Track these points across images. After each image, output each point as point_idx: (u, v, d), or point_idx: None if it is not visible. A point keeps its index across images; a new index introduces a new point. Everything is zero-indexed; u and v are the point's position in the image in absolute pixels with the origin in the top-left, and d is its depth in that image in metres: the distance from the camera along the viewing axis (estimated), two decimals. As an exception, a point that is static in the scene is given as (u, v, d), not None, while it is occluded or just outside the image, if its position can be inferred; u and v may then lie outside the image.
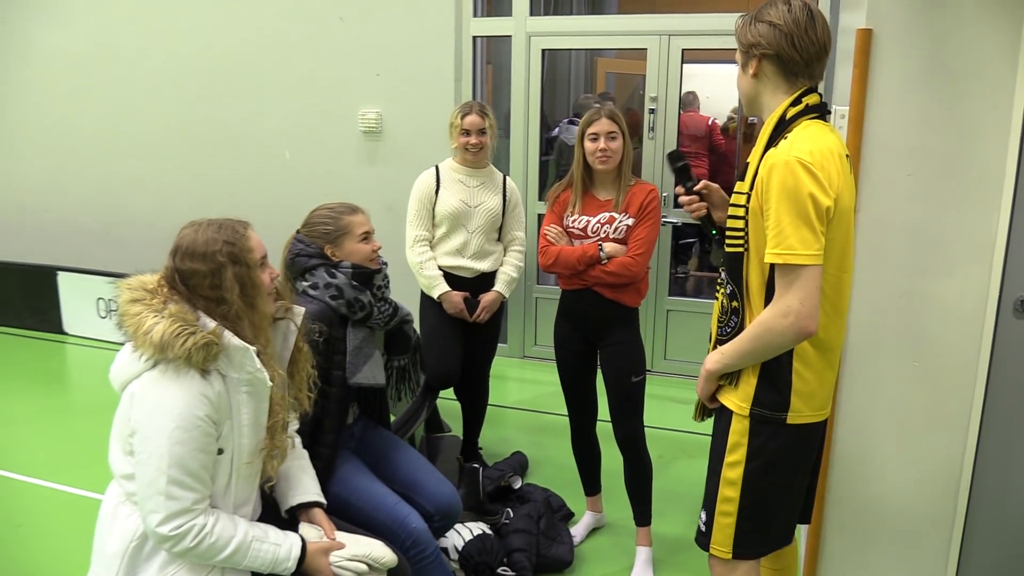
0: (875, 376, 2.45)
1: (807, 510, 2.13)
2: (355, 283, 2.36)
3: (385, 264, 2.50)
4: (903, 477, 2.49)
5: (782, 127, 1.79)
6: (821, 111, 1.83)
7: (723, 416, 1.94)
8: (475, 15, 4.93)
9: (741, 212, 1.82)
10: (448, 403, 3.71)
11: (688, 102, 6.25)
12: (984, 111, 2.24)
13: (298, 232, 2.45)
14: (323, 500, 2.06)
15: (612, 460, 3.15)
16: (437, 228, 3.27)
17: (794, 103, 1.80)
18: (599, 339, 2.87)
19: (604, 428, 3.06)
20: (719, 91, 8.69)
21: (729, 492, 1.89)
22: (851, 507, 2.56)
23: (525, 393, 4.79)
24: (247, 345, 1.78)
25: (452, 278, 3.26)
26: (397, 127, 5.07)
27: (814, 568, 2.63)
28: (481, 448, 3.70)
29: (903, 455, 2.48)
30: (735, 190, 1.88)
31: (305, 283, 2.36)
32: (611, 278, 2.75)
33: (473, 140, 3.20)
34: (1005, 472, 2.42)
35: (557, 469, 3.68)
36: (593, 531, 3.22)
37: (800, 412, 1.84)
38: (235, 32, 5.25)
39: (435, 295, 3.23)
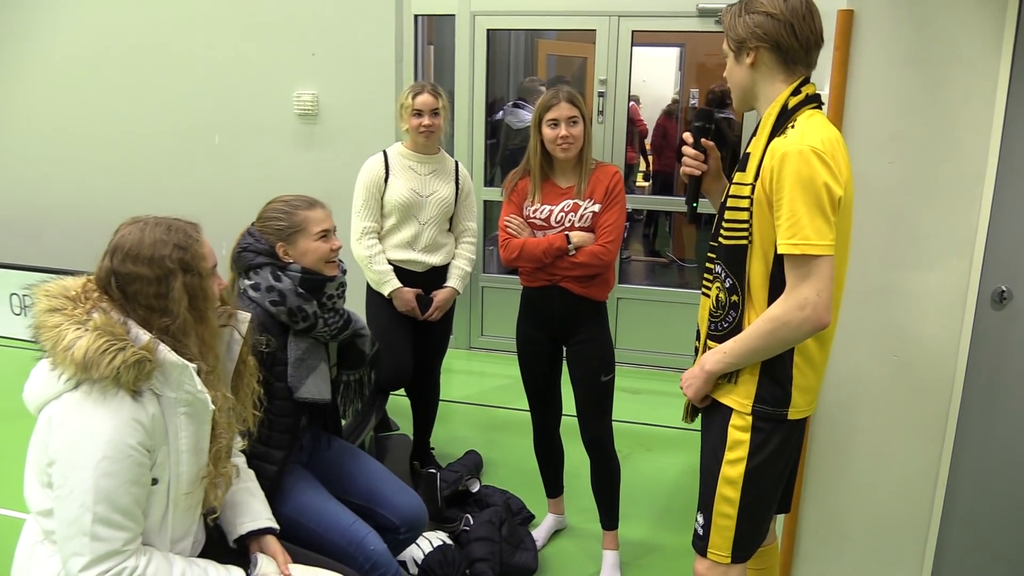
0: (853, 371, 2.37)
1: (786, 499, 2.09)
2: (301, 290, 2.14)
3: (344, 272, 2.29)
4: (881, 473, 2.43)
5: (785, 117, 1.74)
6: (818, 101, 1.78)
7: (717, 413, 1.87)
8: (417, -8, 4.71)
9: (744, 203, 1.75)
10: (395, 399, 3.52)
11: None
12: (966, 97, 2.16)
13: (252, 225, 2.22)
14: (275, 525, 1.85)
15: (571, 459, 3.03)
16: (386, 219, 3.05)
17: (794, 92, 1.75)
18: (566, 337, 2.72)
19: (566, 425, 2.93)
20: (657, 75, 8.66)
21: (729, 492, 1.83)
22: (827, 505, 2.49)
23: (473, 387, 4.62)
24: (185, 362, 1.56)
25: (402, 272, 3.06)
26: (334, 110, 4.81)
27: (789, 567, 2.55)
28: (433, 448, 3.53)
29: (881, 451, 2.41)
30: (735, 180, 1.81)
31: (247, 282, 2.14)
32: (581, 270, 2.60)
33: (426, 121, 2.99)
34: (982, 467, 2.37)
35: (513, 468, 3.53)
36: (555, 534, 3.08)
37: (799, 407, 1.81)
38: (159, 10, 4.89)
39: (386, 292, 3.03)
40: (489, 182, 5.05)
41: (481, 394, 4.50)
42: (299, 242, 2.17)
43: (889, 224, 2.27)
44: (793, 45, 1.72)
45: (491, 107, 5.10)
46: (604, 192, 2.60)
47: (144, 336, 1.53)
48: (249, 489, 1.86)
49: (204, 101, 4.94)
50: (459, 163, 3.21)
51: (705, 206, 2.14)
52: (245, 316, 1.81)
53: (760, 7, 1.75)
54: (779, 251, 1.68)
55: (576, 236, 2.60)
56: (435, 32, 5.22)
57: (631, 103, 6.35)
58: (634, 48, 4.55)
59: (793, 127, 1.70)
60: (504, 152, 5.42)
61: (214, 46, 4.85)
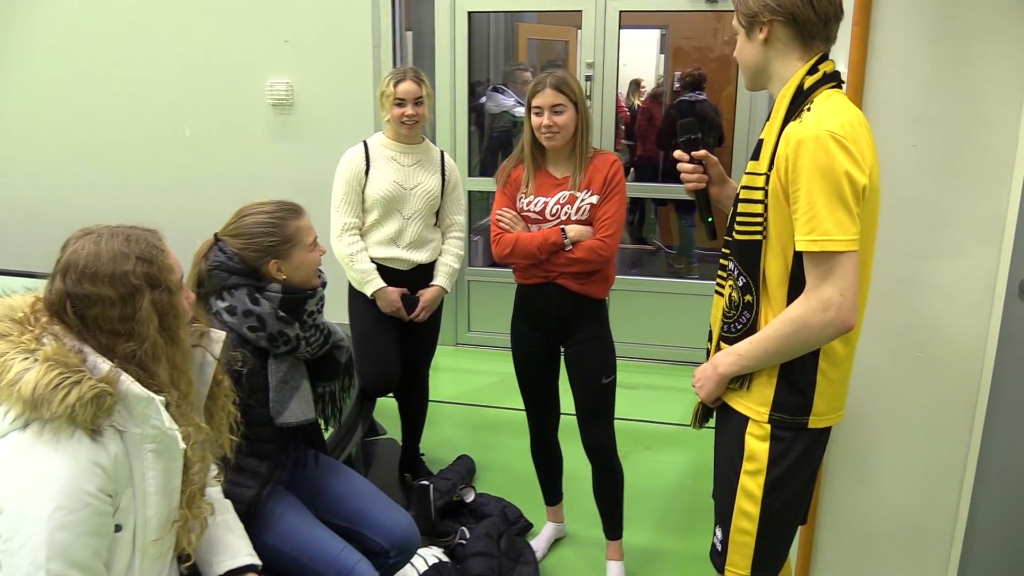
0: (874, 369, 2.22)
1: (806, 510, 1.95)
2: (282, 313, 1.95)
3: (324, 284, 2.09)
4: (903, 476, 2.29)
5: (800, 98, 1.58)
6: (838, 79, 1.63)
7: (732, 420, 1.74)
8: (393, -26, 4.49)
9: (759, 195, 1.60)
10: (381, 400, 3.34)
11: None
12: (995, 74, 2.00)
13: (218, 238, 2.00)
14: (257, 561, 1.66)
15: (567, 462, 2.87)
16: (367, 214, 2.86)
17: (811, 71, 1.59)
18: (564, 337, 2.55)
19: (562, 426, 2.76)
20: (637, 59, 8.49)
21: (747, 506, 1.70)
22: (847, 512, 2.35)
23: (461, 385, 4.44)
24: (150, 395, 1.37)
25: (385, 271, 2.86)
26: (310, 99, 4.59)
27: (805, 577, 2.41)
28: (423, 454, 3.35)
29: (904, 453, 2.27)
30: (747, 170, 1.65)
31: (221, 303, 1.93)
32: (578, 265, 2.42)
33: (409, 111, 2.79)
34: (1010, 469, 2.23)
35: (508, 474, 3.36)
36: (555, 543, 2.92)
37: (821, 415, 1.67)
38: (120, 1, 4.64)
39: (369, 292, 2.83)
40: (473, 171, 4.86)
41: (470, 393, 4.32)
42: (293, 256, 1.97)
43: (912, 211, 2.11)
44: (811, 17, 1.57)
45: (472, 93, 4.90)
46: (602, 182, 2.42)
47: (103, 365, 1.34)
48: (227, 523, 1.67)
49: (172, 92, 4.69)
50: (445, 153, 3.02)
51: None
52: (219, 335, 1.62)
53: None
54: (797, 248, 1.54)
55: (572, 230, 2.42)
56: (413, 16, 5.00)
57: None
58: (621, 30, 4.36)
59: (809, 110, 1.55)
60: (489, 139, 5.25)
61: (182, 34, 4.60)
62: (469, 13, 4.50)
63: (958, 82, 2.02)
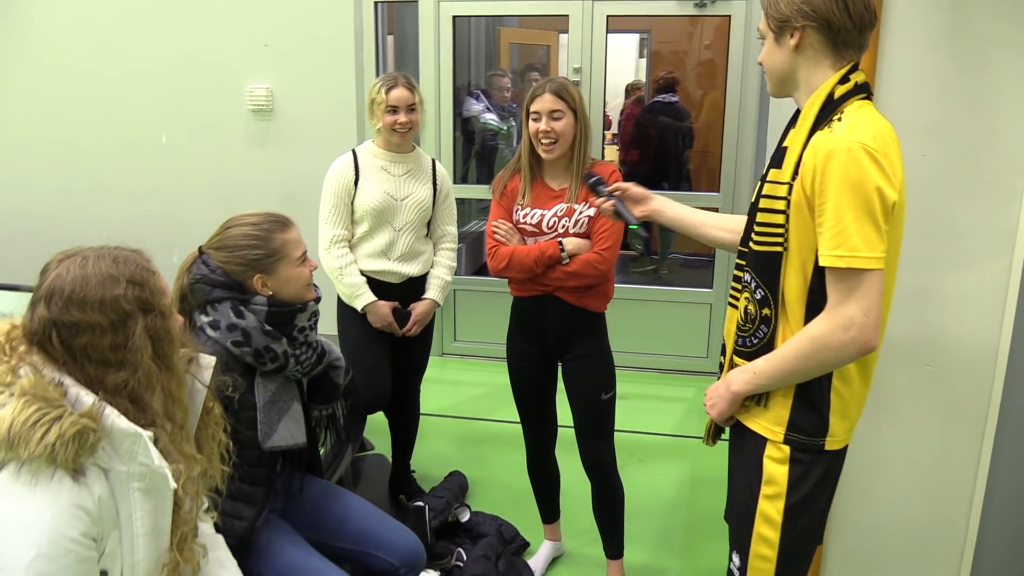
0: (884, 383, 2.15)
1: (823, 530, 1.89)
2: (268, 327, 1.85)
3: (319, 297, 2.00)
4: (913, 492, 2.24)
5: (830, 108, 1.52)
6: (868, 91, 1.56)
7: (748, 441, 1.67)
8: (375, -23, 4.40)
9: (780, 205, 1.54)
10: (370, 416, 3.25)
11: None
12: (1007, 81, 1.96)
13: (202, 251, 1.91)
14: None
15: (564, 478, 2.80)
16: (357, 225, 2.76)
17: (842, 80, 1.53)
18: (562, 352, 2.47)
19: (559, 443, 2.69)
20: (615, 63, 8.45)
21: (767, 531, 1.63)
22: (856, 527, 2.29)
23: (448, 397, 4.35)
24: (137, 430, 1.27)
25: (375, 284, 2.77)
26: (290, 104, 4.49)
27: (813, 598, 2.35)
28: (414, 471, 3.26)
29: (913, 468, 2.22)
30: (769, 179, 1.58)
31: (204, 318, 1.84)
32: (575, 280, 2.35)
33: (402, 118, 2.70)
34: (1020, 483, 2.19)
35: (502, 490, 3.28)
36: (553, 561, 2.84)
37: (837, 436, 1.62)
38: (100, 1, 4.50)
39: (359, 306, 2.74)
40: (456, 179, 4.78)
41: (458, 405, 4.23)
42: (280, 270, 1.88)
43: (923, 222, 2.06)
44: (845, 24, 1.50)
45: (456, 99, 4.81)
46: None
47: (86, 398, 1.24)
48: (220, 560, 1.57)
49: (149, 98, 4.56)
50: (436, 161, 2.93)
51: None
52: (208, 360, 1.52)
53: None
54: (821, 263, 1.48)
55: (570, 243, 2.35)
56: (396, 20, 4.92)
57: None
58: (609, 35, 4.30)
59: (840, 119, 1.48)
60: (471, 146, 5.19)
61: (158, 38, 4.47)
62: (454, 18, 4.42)
63: (969, 91, 1.98)
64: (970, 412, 2.15)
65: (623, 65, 8.51)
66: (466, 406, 4.23)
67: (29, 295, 1.33)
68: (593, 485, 2.56)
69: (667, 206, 1.95)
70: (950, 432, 2.18)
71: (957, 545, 2.24)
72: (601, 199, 1.98)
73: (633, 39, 8.68)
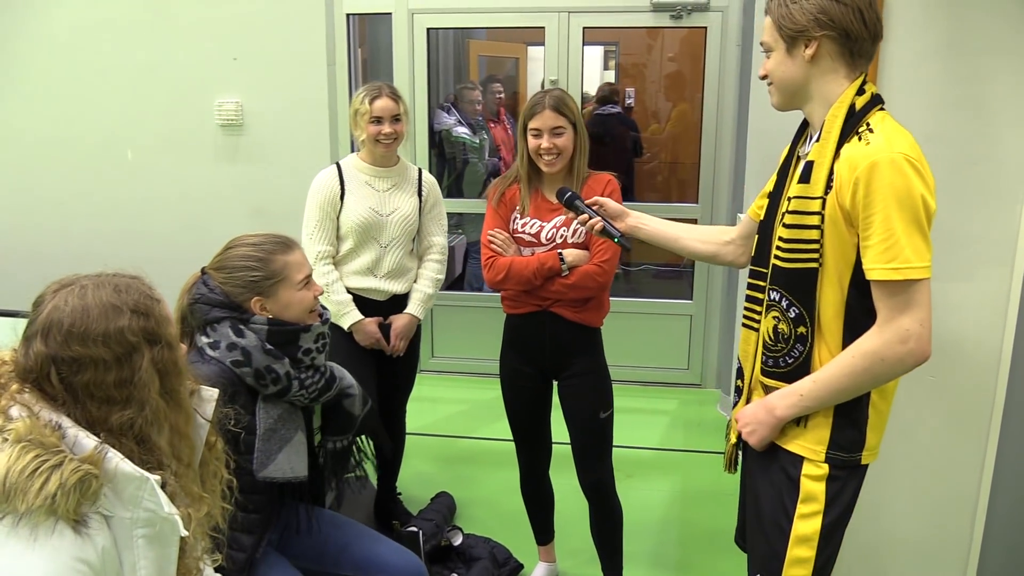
0: (887, 396, 2.15)
1: None
2: (269, 346, 1.78)
3: (326, 319, 1.92)
4: (917, 506, 2.23)
5: (854, 120, 1.50)
6: (882, 102, 1.55)
7: (781, 461, 1.63)
8: (347, -11, 4.32)
9: (815, 220, 1.50)
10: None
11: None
12: (1005, 91, 1.97)
13: (204, 272, 1.84)
14: None
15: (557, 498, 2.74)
16: (341, 242, 2.68)
17: (859, 92, 1.51)
18: (558, 370, 2.41)
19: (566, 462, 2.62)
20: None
21: (803, 552, 1.59)
22: (861, 543, 2.27)
23: (428, 415, 4.26)
24: (144, 474, 1.18)
25: (361, 301, 2.69)
26: (261, 119, 4.37)
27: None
28: (400, 494, 3.17)
29: (917, 482, 2.21)
30: (796, 194, 1.54)
31: (204, 339, 1.76)
32: (574, 292, 2.29)
33: (386, 129, 2.63)
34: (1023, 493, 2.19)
35: (491, 511, 3.20)
36: (548, 584, 2.78)
37: (872, 449, 1.60)
38: (64, 13, 4.34)
39: (346, 325, 2.65)
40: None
41: (440, 423, 4.15)
42: (281, 294, 1.81)
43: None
44: (862, 33, 1.49)
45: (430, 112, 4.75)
46: None
47: (86, 440, 1.14)
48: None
49: (113, 112, 4.41)
50: (423, 170, 2.86)
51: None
52: (211, 393, 1.42)
53: None
54: (871, 276, 1.45)
55: (570, 254, 2.30)
56: (368, 32, 4.84)
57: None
58: (585, 47, 4.28)
59: (871, 130, 1.47)
60: (444, 159, 5.12)
61: (122, 50, 4.33)
62: (428, 30, 4.36)
63: (968, 100, 1.98)
64: (973, 422, 2.15)
65: (589, 77, 8.53)
66: (448, 424, 4.15)
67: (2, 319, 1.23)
68: (591, 506, 2.50)
69: (644, 221, 1.96)
70: (953, 443, 2.17)
71: (961, 556, 2.23)
72: (583, 215, 1.97)
73: (598, 51, 8.70)
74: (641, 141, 6.53)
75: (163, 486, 1.21)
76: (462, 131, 5.19)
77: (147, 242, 4.39)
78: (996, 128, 1.98)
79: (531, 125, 2.26)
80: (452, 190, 5.26)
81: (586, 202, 2.00)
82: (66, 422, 1.16)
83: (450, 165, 5.32)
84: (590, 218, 1.96)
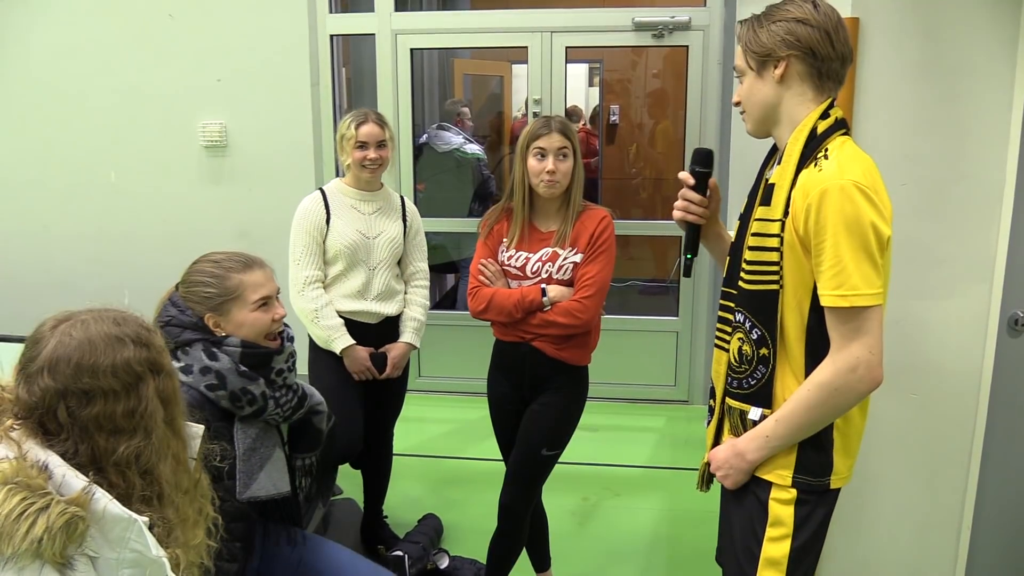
0: (871, 413, 2.14)
1: None
2: (243, 367, 1.77)
3: (291, 340, 1.92)
4: (901, 523, 2.23)
5: (813, 144, 1.51)
6: (846, 127, 1.57)
7: (751, 485, 1.63)
8: (331, 11, 4.33)
9: (773, 243, 1.52)
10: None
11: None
12: (981, 110, 2.00)
13: (175, 291, 1.83)
14: None
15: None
16: (330, 266, 2.67)
17: (823, 116, 1.53)
18: (534, 397, 2.40)
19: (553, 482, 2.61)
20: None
21: (772, 575, 1.59)
22: (846, 562, 2.27)
23: (416, 435, 4.24)
24: (131, 516, 1.17)
25: (351, 325, 2.68)
26: (245, 140, 4.37)
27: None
28: (386, 517, 3.15)
29: (902, 501, 2.22)
30: (757, 216, 1.57)
31: (176, 364, 1.74)
32: (554, 328, 2.28)
33: (372, 155, 2.64)
34: (1006, 509, 2.20)
35: (478, 533, 3.13)
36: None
37: (840, 474, 1.62)
38: (44, 35, 4.34)
39: (338, 349, 2.64)
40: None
41: (426, 444, 4.13)
42: (233, 313, 1.80)
43: (903, 250, 2.03)
44: (829, 54, 1.51)
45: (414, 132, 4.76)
46: (588, 240, 2.28)
47: (75, 480, 1.14)
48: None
49: (97, 134, 4.41)
50: (405, 198, 2.87)
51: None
52: (196, 430, 1.42)
53: (787, 14, 1.53)
54: (823, 303, 1.47)
55: (553, 290, 2.29)
56: (351, 53, 4.86)
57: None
58: (569, 64, 4.31)
59: (826, 157, 1.49)
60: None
61: (106, 71, 4.33)
62: (412, 50, 4.38)
63: (945, 120, 2.00)
64: (956, 439, 2.16)
65: (572, 95, 8.58)
66: (434, 444, 4.13)
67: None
68: (498, 523, 2.48)
69: (723, 230, 1.83)
70: (936, 460, 2.18)
71: (947, 566, 2.23)
72: (701, 199, 1.72)
73: (583, 68, 8.76)
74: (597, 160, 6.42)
75: (151, 528, 1.21)
76: (473, 148, 5.17)
77: (131, 265, 4.38)
78: (973, 148, 2.00)
79: (536, 145, 2.24)
80: (479, 211, 5.14)
81: (711, 184, 1.73)
82: (55, 460, 1.16)
83: (464, 184, 5.24)
84: (697, 192, 1.71)
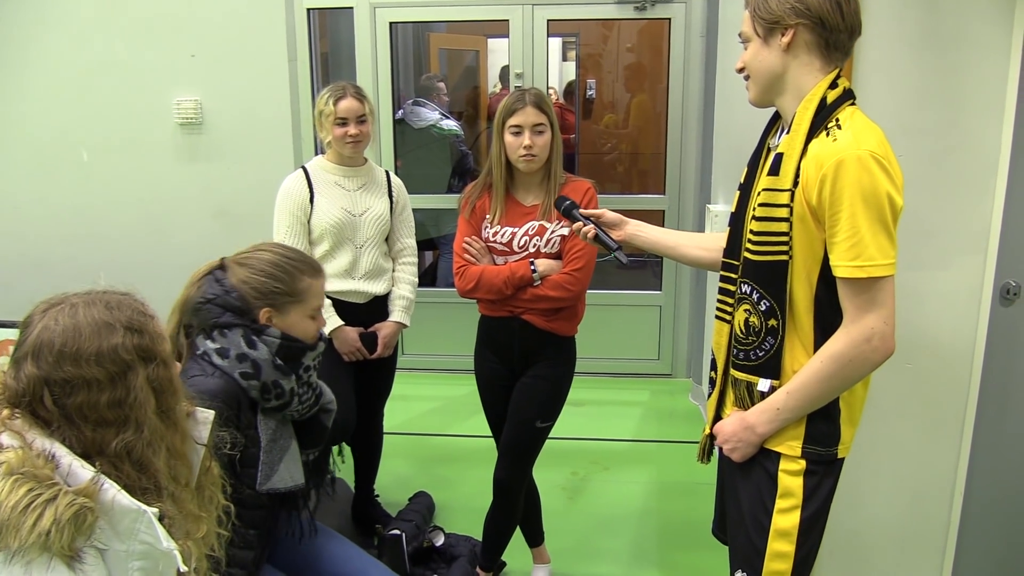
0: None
1: None
2: (280, 361, 1.73)
3: (327, 340, 1.89)
4: (897, 488, 2.27)
5: (824, 113, 1.50)
6: (854, 97, 1.56)
7: (759, 458, 1.63)
8: (307, -16, 4.24)
9: (782, 212, 1.51)
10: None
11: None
12: (978, 83, 2.00)
13: (223, 264, 1.77)
14: None
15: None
16: (316, 246, 2.63)
17: (831, 85, 1.51)
18: (525, 370, 2.40)
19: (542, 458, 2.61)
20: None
21: (782, 546, 1.60)
22: (841, 530, 2.29)
23: (401, 413, 4.19)
24: (140, 507, 1.14)
25: (340, 305, 2.65)
26: (221, 117, 4.27)
27: (802, 600, 2.34)
28: (378, 495, 3.14)
29: (897, 468, 2.24)
30: (764, 187, 1.55)
31: (211, 344, 1.70)
32: (546, 302, 2.28)
33: (352, 130, 2.58)
34: (999, 473, 2.24)
35: (470, 510, 3.15)
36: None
37: (846, 443, 1.62)
38: (12, 10, 4.19)
39: (327, 331, 2.59)
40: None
41: (413, 421, 4.11)
42: (291, 314, 1.77)
43: (901, 223, 2.07)
44: (838, 24, 1.49)
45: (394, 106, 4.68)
46: None
47: (81, 471, 1.10)
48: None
49: (68, 113, 4.28)
50: (390, 173, 2.82)
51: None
52: (206, 415, 1.38)
53: None
54: (837, 274, 1.47)
55: (542, 264, 2.28)
56: (328, 27, 4.76)
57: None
58: (553, 39, 4.26)
59: (839, 127, 1.47)
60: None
61: (77, 47, 4.20)
62: (391, 24, 4.30)
63: (943, 91, 2.00)
64: (949, 408, 2.18)
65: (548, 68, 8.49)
66: (421, 422, 4.12)
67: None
68: (494, 500, 2.50)
69: (643, 230, 1.90)
70: (930, 429, 2.20)
71: (939, 541, 2.27)
72: (578, 224, 1.92)
73: (557, 42, 8.68)
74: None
75: (161, 519, 1.17)
76: (450, 124, 5.10)
77: (106, 245, 4.29)
78: (969, 119, 2.01)
79: (511, 122, 2.23)
80: (458, 187, 5.10)
81: (584, 212, 1.94)
82: (60, 450, 1.12)
83: (443, 160, 5.17)
84: (584, 226, 1.90)
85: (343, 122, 2.59)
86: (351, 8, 4.26)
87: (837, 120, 1.48)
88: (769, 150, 1.62)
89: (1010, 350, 2.15)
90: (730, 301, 1.67)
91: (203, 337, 1.72)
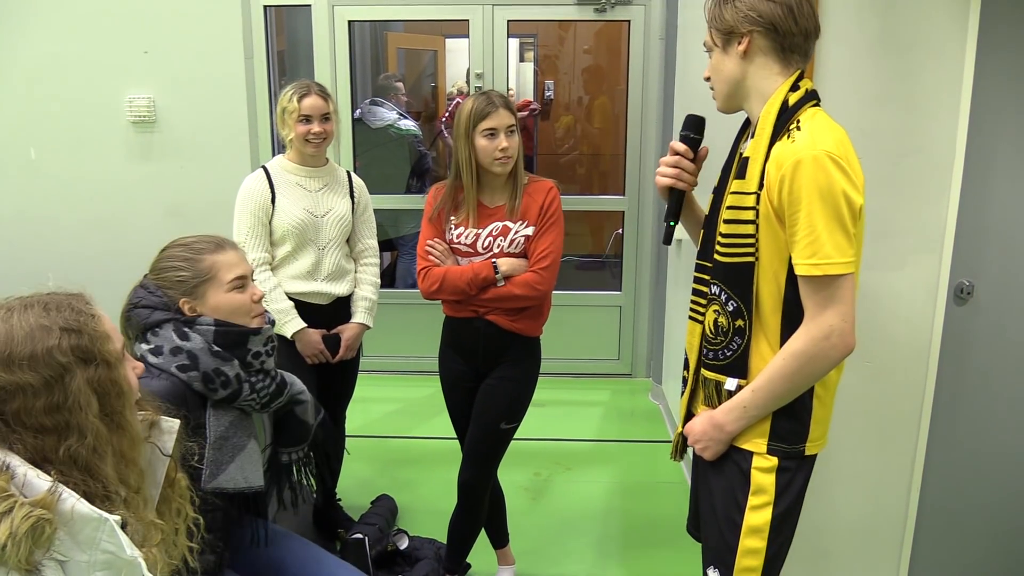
0: (826, 383, 2.21)
1: None
2: (217, 347, 1.70)
3: (272, 323, 1.85)
4: (854, 487, 2.30)
5: (786, 116, 1.53)
6: (817, 98, 1.59)
7: (732, 456, 1.65)
8: (263, -20, 4.17)
9: (749, 215, 1.54)
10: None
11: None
12: (934, 86, 2.04)
13: (145, 277, 1.76)
14: None
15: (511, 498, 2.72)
16: (277, 247, 2.58)
17: (793, 88, 1.54)
18: (489, 372, 2.39)
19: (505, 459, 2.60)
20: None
21: (754, 543, 1.62)
22: (803, 526, 2.32)
23: (361, 416, 4.15)
24: (102, 515, 1.10)
25: (302, 306, 2.61)
26: (175, 115, 4.20)
27: (763, 596, 2.37)
28: (340, 500, 3.10)
29: (855, 465, 2.28)
30: (732, 189, 1.59)
31: (146, 346, 1.67)
32: (512, 302, 2.27)
33: (316, 128, 2.55)
34: (954, 468, 2.29)
35: (432, 513, 3.14)
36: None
37: (815, 440, 1.63)
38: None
39: (288, 333, 2.56)
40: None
41: (372, 424, 4.07)
42: (209, 296, 1.73)
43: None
44: (791, 28, 1.52)
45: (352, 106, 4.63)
46: (538, 212, 2.28)
47: (38, 481, 1.06)
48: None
49: (14, 109, 4.16)
50: (351, 173, 2.79)
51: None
52: (171, 424, 1.35)
53: None
54: (797, 272, 1.49)
55: (504, 264, 2.27)
56: (285, 25, 4.69)
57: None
58: (510, 39, 4.26)
59: (798, 128, 1.50)
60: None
61: (23, 42, 4.08)
62: (349, 23, 4.25)
63: (900, 95, 2.05)
64: (906, 404, 2.23)
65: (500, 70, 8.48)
66: (381, 424, 4.08)
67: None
68: (458, 502, 2.49)
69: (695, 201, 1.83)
70: (888, 425, 2.25)
71: (897, 532, 2.31)
72: (693, 168, 1.71)
73: (514, 43, 8.68)
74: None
75: (124, 526, 1.13)
76: (408, 124, 5.06)
77: (54, 248, 4.17)
78: (925, 122, 2.05)
79: (485, 126, 2.21)
80: (416, 187, 5.06)
81: (701, 152, 1.72)
82: (15, 460, 1.08)
83: (401, 160, 5.12)
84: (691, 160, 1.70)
85: (307, 119, 2.55)
86: (309, 5, 4.21)
87: (798, 122, 1.50)
88: (739, 154, 1.64)
89: (963, 348, 2.20)
90: (702, 302, 1.69)
91: (138, 342, 1.70)
